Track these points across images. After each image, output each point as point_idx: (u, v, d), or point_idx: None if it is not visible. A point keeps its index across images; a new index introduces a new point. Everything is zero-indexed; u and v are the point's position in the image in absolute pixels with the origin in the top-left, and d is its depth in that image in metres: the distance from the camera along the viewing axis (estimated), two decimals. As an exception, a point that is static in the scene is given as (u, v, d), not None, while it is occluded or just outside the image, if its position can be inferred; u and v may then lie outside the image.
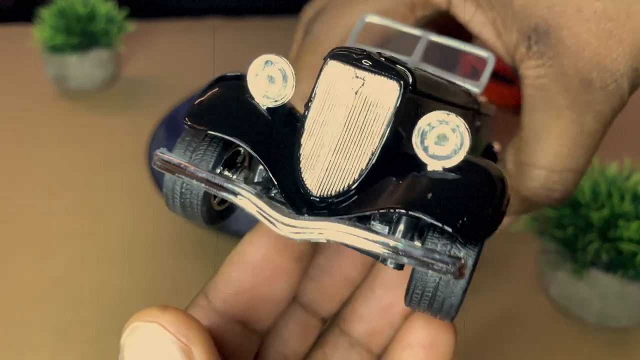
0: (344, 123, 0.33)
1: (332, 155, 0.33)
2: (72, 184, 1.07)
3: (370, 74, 0.32)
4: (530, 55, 0.43)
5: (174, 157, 0.33)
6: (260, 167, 0.37)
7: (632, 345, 0.82)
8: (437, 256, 0.29)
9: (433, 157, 0.31)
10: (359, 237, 0.30)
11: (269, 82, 0.34)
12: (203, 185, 0.32)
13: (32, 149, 1.17)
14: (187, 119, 0.33)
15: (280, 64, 0.33)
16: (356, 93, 0.32)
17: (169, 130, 1.24)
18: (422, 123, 0.31)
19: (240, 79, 0.35)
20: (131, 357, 0.30)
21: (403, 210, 0.29)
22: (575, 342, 0.82)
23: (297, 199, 0.33)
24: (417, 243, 0.32)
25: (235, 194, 0.32)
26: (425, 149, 0.31)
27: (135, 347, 0.29)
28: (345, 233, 0.30)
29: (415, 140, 0.31)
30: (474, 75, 0.44)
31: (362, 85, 0.32)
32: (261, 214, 0.32)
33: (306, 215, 0.32)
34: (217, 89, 0.35)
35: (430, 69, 0.42)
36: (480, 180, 0.31)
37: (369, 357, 0.42)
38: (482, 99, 0.47)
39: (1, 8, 1.64)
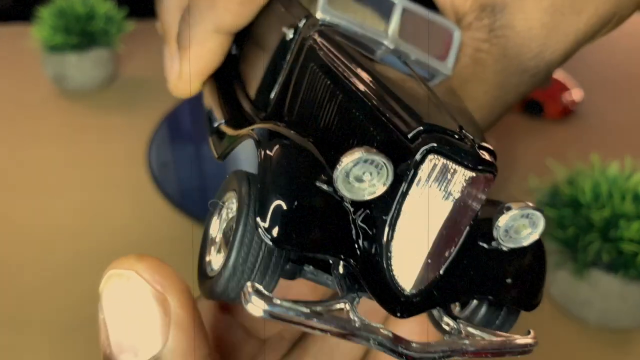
0: (444, 222, 0.31)
1: (429, 254, 0.31)
2: (71, 184, 1.07)
3: (471, 171, 0.30)
4: (479, 27, 0.43)
5: (281, 311, 0.29)
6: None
7: (633, 345, 0.82)
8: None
9: (508, 240, 0.32)
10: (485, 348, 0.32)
11: (357, 178, 0.30)
12: (322, 332, 0.29)
13: (31, 148, 1.16)
14: (273, 234, 0.29)
15: (379, 162, 0.30)
16: (459, 193, 0.31)
17: (169, 131, 1.23)
18: (511, 216, 0.31)
19: (303, 148, 0.32)
20: (108, 304, 0.29)
21: (491, 297, 0.32)
22: (576, 342, 0.82)
23: (389, 299, 0.31)
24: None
25: (368, 339, 0.30)
26: (506, 234, 0.32)
27: (112, 294, 0.29)
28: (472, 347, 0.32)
29: (499, 230, 0.32)
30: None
31: (467, 183, 0.30)
32: (396, 354, 0.30)
33: (401, 315, 0.31)
34: (289, 174, 0.30)
35: (407, 48, 0.41)
36: (540, 256, 0.33)
37: None
38: None
39: (0, 7, 1.64)
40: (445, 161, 0.30)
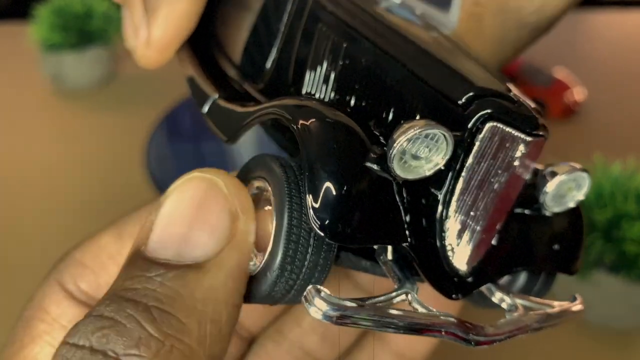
0: (500, 193, 0.29)
1: (483, 229, 0.29)
2: (69, 183, 1.06)
3: (529, 137, 0.28)
4: None
5: (349, 314, 0.26)
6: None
7: (636, 346, 0.82)
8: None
9: (554, 205, 0.31)
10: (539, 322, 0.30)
11: (413, 157, 0.27)
12: (392, 330, 0.26)
13: (28, 147, 1.16)
14: (330, 228, 0.26)
15: (439, 135, 0.27)
16: (518, 160, 0.28)
17: (169, 130, 1.23)
18: (560, 186, 0.30)
19: (347, 125, 0.28)
20: (176, 199, 0.27)
21: (543, 266, 0.32)
22: (578, 343, 0.81)
23: (443, 281, 0.29)
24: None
25: (440, 331, 0.27)
26: (551, 201, 0.31)
27: (184, 194, 0.27)
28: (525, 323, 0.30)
29: (546, 196, 0.30)
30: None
31: (525, 151, 0.28)
32: (465, 340, 0.28)
33: (456, 296, 0.29)
34: (338, 149, 0.27)
35: (411, 1, 0.37)
36: (579, 217, 0.32)
37: None
38: None
39: (-2, 6, 1.63)
40: (504, 128, 0.27)
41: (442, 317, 0.27)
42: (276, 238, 0.27)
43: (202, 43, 0.42)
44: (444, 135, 0.26)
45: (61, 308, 0.32)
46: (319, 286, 0.26)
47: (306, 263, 0.28)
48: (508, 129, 0.27)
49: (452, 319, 0.27)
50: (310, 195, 0.26)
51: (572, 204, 0.31)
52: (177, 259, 0.26)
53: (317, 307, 0.25)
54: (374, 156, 0.27)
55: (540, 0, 0.38)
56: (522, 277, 0.34)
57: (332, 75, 0.33)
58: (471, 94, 0.27)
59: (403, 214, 0.27)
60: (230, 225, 0.27)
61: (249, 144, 1.16)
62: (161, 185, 1.06)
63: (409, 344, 0.40)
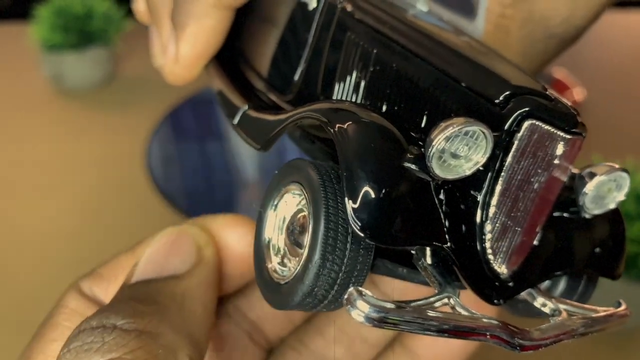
0: (540, 194, 0.28)
1: (524, 231, 0.28)
2: (69, 184, 1.07)
3: (567, 134, 0.27)
4: None
5: (393, 316, 0.25)
6: None
7: (635, 346, 0.82)
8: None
9: (594, 207, 0.30)
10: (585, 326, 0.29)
11: (453, 156, 0.26)
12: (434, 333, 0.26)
13: (28, 148, 1.16)
14: (369, 228, 0.25)
15: (479, 133, 0.26)
16: (555, 162, 0.27)
17: (170, 130, 1.23)
18: (599, 187, 0.29)
19: (388, 130, 0.27)
20: (153, 247, 0.34)
21: (584, 270, 0.30)
22: (578, 343, 0.81)
23: (484, 286, 0.28)
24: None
25: (485, 335, 0.26)
26: (592, 201, 0.30)
27: (161, 240, 0.34)
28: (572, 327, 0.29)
29: (586, 198, 0.29)
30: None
31: (564, 150, 0.27)
32: (509, 344, 0.27)
33: (497, 301, 0.28)
34: (375, 150, 0.27)
35: (438, 10, 0.38)
36: (620, 220, 0.32)
37: None
38: None
39: (-2, 6, 1.63)
40: (543, 126, 0.26)
41: (486, 320, 0.27)
42: (312, 243, 0.27)
43: (230, 58, 0.42)
44: (484, 133, 0.26)
45: (79, 302, 0.36)
46: (360, 288, 0.25)
47: (343, 267, 0.27)
48: (547, 127, 0.27)
49: (497, 322, 0.27)
50: (349, 196, 0.25)
51: (612, 205, 0.30)
52: (159, 275, 0.33)
53: (360, 309, 0.25)
54: (411, 156, 0.27)
55: (567, 10, 0.38)
56: (563, 283, 0.33)
57: (362, 83, 0.33)
58: (508, 92, 0.26)
59: (442, 216, 0.27)
60: (197, 253, 0.34)
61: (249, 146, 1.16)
62: (162, 186, 1.06)
63: (436, 356, 0.39)
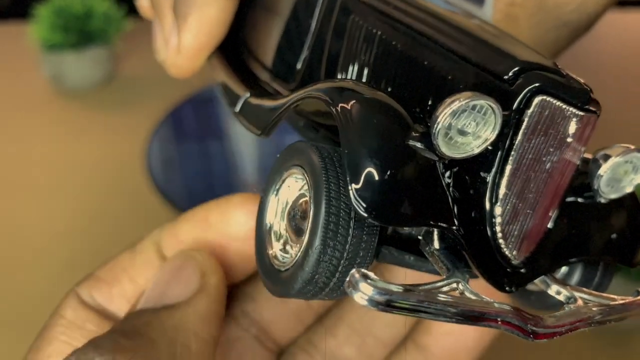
0: (553, 174, 0.27)
1: (536, 214, 0.27)
2: (68, 184, 1.06)
3: (581, 112, 0.26)
4: None
5: (397, 299, 0.24)
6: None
7: (636, 346, 0.81)
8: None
9: (610, 191, 0.29)
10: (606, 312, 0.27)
11: (460, 131, 0.25)
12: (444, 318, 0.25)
13: (27, 147, 1.16)
14: (371, 208, 0.24)
15: (487, 108, 0.25)
16: (568, 141, 0.26)
17: (171, 131, 1.23)
18: (615, 169, 0.28)
19: (384, 101, 0.27)
20: (159, 274, 0.33)
21: (601, 257, 0.29)
22: (578, 343, 0.81)
23: (495, 272, 0.27)
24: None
25: (496, 320, 0.25)
26: (607, 185, 0.29)
27: (167, 265, 0.34)
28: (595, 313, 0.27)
29: (601, 180, 0.28)
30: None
31: (577, 128, 0.26)
32: (522, 333, 0.26)
33: (509, 289, 0.27)
34: (377, 128, 0.25)
35: None
36: (637, 204, 0.30)
37: None
38: None
39: (-2, 6, 1.63)
40: (554, 102, 0.25)
41: (497, 306, 0.25)
42: (313, 228, 0.26)
43: (233, 49, 0.41)
44: (492, 107, 0.24)
45: (77, 312, 0.35)
46: (363, 270, 0.24)
47: (345, 254, 0.26)
48: (558, 103, 0.26)
49: (509, 307, 0.26)
50: (350, 174, 0.24)
51: (629, 189, 0.29)
52: (156, 304, 0.31)
53: (363, 292, 0.23)
54: (416, 134, 0.26)
55: None
56: (579, 272, 0.32)
57: (367, 66, 0.32)
58: (517, 68, 0.25)
59: (450, 198, 0.26)
60: (201, 280, 0.32)
61: (250, 145, 1.16)
62: (161, 185, 1.06)
63: (449, 353, 0.38)
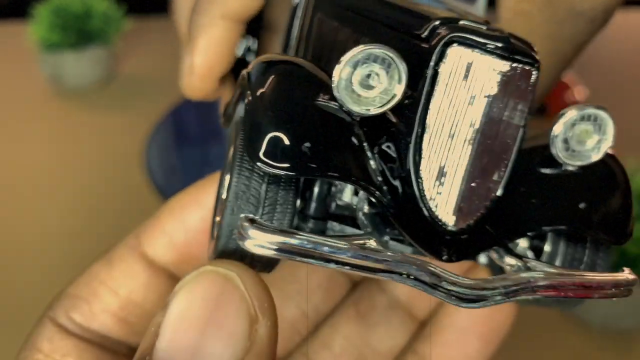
0: (480, 129, 0.25)
1: (469, 173, 0.25)
2: (67, 184, 1.06)
3: (504, 61, 0.24)
4: None
5: (286, 237, 0.23)
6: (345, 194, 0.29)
7: (636, 346, 0.81)
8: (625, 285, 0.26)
9: (572, 155, 0.27)
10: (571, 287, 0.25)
11: (363, 84, 0.24)
12: (344, 268, 0.23)
13: (27, 147, 1.15)
14: (266, 157, 0.23)
15: (386, 58, 0.24)
16: (494, 89, 0.25)
17: (170, 131, 1.22)
18: (567, 120, 0.26)
19: (299, 67, 0.26)
20: (185, 302, 0.23)
21: (563, 227, 0.26)
22: (580, 344, 0.81)
23: (429, 238, 0.25)
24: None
25: (400, 274, 0.23)
26: (567, 148, 0.26)
27: (195, 294, 0.23)
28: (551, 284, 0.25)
29: (557, 140, 0.26)
30: None
31: (500, 78, 0.24)
32: (441, 293, 0.24)
33: (448, 257, 0.25)
34: (283, 90, 0.25)
35: None
36: (618, 173, 0.28)
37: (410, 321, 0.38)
38: None
39: (-3, 6, 1.63)
40: (470, 51, 0.24)
41: (407, 257, 0.24)
42: (229, 185, 0.26)
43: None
44: (390, 57, 0.24)
45: (54, 343, 0.31)
46: (251, 215, 0.24)
47: (261, 209, 0.26)
48: (476, 52, 0.24)
49: (420, 261, 0.24)
50: (245, 127, 0.24)
51: (595, 155, 0.27)
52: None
53: (253, 238, 0.23)
54: (328, 96, 0.25)
55: None
56: (562, 248, 0.29)
57: (319, 51, 0.33)
58: (432, 24, 0.25)
59: (374, 162, 0.25)
60: (249, 330, 0.23)
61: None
62: (160, 185, 1.06)
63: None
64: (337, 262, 0.23)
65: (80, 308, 0.32)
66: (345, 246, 0.23)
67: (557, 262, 0.29)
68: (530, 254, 0.30)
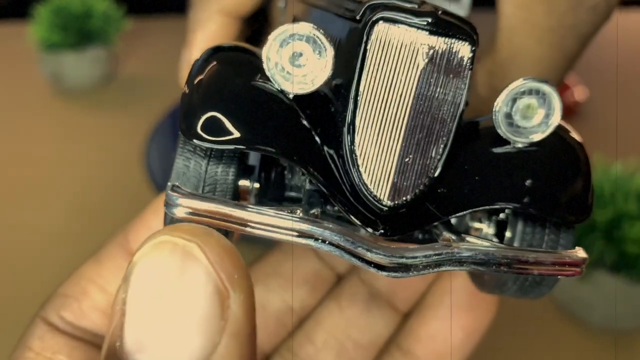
0: (411, 104, 0.25)
1: (402, 148, 0.26)
2: (67, 184, 1.06)
3: (432, 35, 0.25)
4: None
5: (202, 201, 0.23)
6: (285, 171, 0.30)
7: (636, 346, 0.81)
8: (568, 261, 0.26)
9: (518, 131, 0.27)
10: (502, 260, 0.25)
11: (293, 61, 0.25)
12: (260, 232, 0.24)
13: (26, 147, 1.15)
14: (200, 132, 0.24)
15: (309, 35, 0.25)
16: (423, 64, 0.25)
17: (168, 130, 1.22)
18: (509, 93, 0.26)
19: (243, 52, 0.27)
20: (141, 280, 0.20)
21: (509, 206, 0.26)
22: (580, 344, 0.81)
23: (363, 213, 0.26)
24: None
25: (313, 238, 0.24)
26: (511, 124, 0.26)
27: (154, 267, 0.20)
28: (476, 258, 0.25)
29: (498, 114, 0.26)
30: None
31: (429, 53, 0.25)
32: (359, 259, 0.24)
33: (384, 232, 0.25)
34: (219, 74, 0.26)
35: None
36: (573, 155, 0.27)
37: (392, 314, 0.39)
38: None
39: (-3, 6, 1.63)
40: (396, 28, 0.25)
41: (323, 223, 0.24)
42: (172, 172, 0.28)
43: None
44: (315, 35, 0.25)
45: (45, 341, 0.31)
46: (174, 182, 0.25)
47: (202, 184, 0.27)
48: (401, 27, 0.25)
49: (339, 228, 0.24)
50: (183, 109, 0.26)
51: (543, 132, 0.27)
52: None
53: (174, 203, 0.24)
54: (264, 77, 0.26)
55: None
56: (519, 228, 0.29)
57: None
58: (365, 6, 0.26)
59: (306, 135, 0.26)
60: (220, 309, 0.20)
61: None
62: (161, 185, 1.06)
63: (434, 355, 0.37)
64: (252, 227, 0.24)
65: (70, 306, 0.32)
66: (261, 211, 0.24)
67: (516, 244, 0.29)
68: (495, 240, 0.30)
